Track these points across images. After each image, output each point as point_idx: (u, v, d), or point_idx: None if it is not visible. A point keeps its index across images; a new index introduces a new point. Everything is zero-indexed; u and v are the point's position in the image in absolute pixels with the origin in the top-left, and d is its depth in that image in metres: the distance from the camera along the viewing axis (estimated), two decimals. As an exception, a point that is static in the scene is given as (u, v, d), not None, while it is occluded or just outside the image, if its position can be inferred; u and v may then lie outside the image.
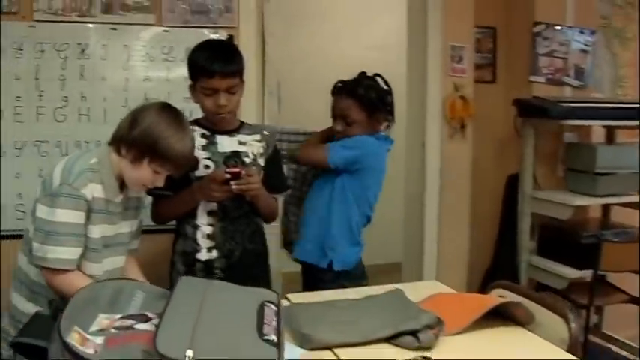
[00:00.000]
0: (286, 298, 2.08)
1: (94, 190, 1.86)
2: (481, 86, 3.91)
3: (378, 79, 2.57)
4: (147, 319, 1.41)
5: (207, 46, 2.26)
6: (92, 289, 1.50)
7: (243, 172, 2.11)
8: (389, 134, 2.64)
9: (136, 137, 1.85)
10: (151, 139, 1.84)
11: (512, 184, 3.99)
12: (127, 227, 2.05)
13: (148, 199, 2.30)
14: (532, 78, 3.87)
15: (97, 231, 1.90)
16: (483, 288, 3.87)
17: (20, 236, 2.02)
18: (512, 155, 3.97)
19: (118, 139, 1.91)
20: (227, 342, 1.30)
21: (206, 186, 2.15)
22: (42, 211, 1.85)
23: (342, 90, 2.54)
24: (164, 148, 1.84)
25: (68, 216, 1.81)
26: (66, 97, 2.86)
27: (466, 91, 3.74)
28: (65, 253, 1.81)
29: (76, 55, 2.86)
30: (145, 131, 1.85)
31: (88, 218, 1.86)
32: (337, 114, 2.55)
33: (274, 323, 1.41)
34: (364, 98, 2.49)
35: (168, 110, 1.93)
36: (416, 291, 2.06)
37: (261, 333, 1.35)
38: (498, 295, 2.10)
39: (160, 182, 1.94)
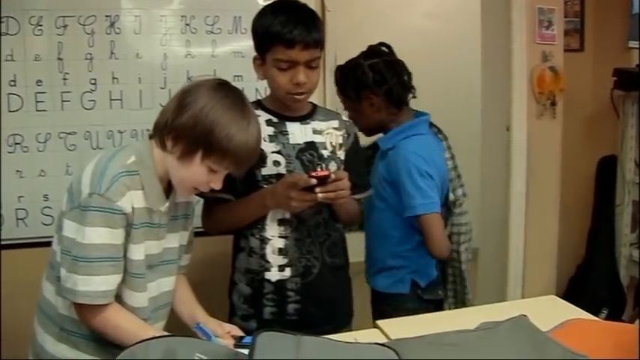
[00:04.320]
0: (376, 326, 1.71)
1: (133, 199, 1.48)
2: (567, 55, 3.46)
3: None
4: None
5: (281, 8, 1.82)
6: (132, 354, 1.06)
7: (332, 176, 1.69)
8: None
9: (184, 125, 1.48)
10: (205, 127, 1.47)
11: (606, 167, 3.68)
12: (175, 241, 1.67)
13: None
14: (631, 44, 3.44)
15: (139, 251, 1.52)
16: (576, 285, 3.65)
17: (48, 244, 1.64)
18: (603, 135, 3.64)
19: (162, 129, 1.53)
20: None
21: (283, 192, 1.73)
22: (69, 229, 1.47)
23: None
24: (222, 138, 1.47)
25: (102, 236, 1.43)
26: (94, 79, 2.56)
27: (556, 62, 3.31)
28: (101, 284, 1.44)
29: (105, 30, 2.56)
30: (196, 117, 1.47)
31: (127, 236, 1.48)
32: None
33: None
34: (338, 82, 2.34)
35: (225, 89, 1.55)
36: (534, 310, 1.66)
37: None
38: None
39: (217, 183, 1.56)
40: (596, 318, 1.81)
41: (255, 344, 1.03)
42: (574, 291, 3.58)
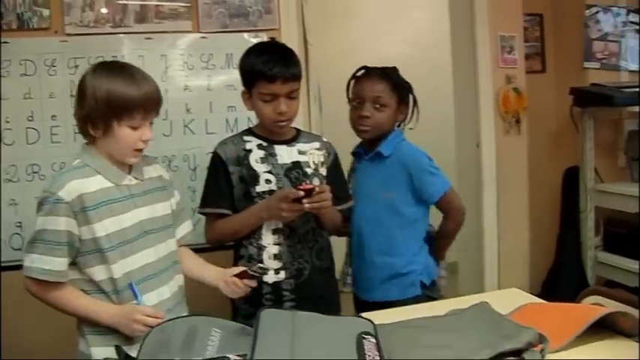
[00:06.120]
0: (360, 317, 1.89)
1: (81, 187, 1.66)
2: (530, 77, 3.77)
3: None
4: (232, 363, 1.23)
5: (263, 49, 2.11)
6: (162, 330, 1.34)
7: (316, 189, 1.95)
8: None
9: (90, 109, 1.66)
10: (103, 99, 1.65)
11: (571, 177, 3.89)
12: (158, 211, 1.84)
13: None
14: (586, 64, 3.71)
15: (104, 227, 1.68)
16: (548, 287, 3.87)
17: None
18: (567, 147, 3.87)
19: (82, 127, 1.72)
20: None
21: (275, 205, 1.99)
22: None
23: (373, 73, 2.41)
24: (118, 97, 1.65)
25: (47, 223, 1.64)
26: (103, 113, 2.72)
27: (519, 83, 3.60)
28: (48, 263, 1.64)
29: (112, 69, 2.72)
30: (93, 96, 1.65)
31: (85, 219, 1.66)
32: (366, 97, 2.37)
33: (378, 358, 1.23)
34: (397, 82, 2.39)
35: (101, 66, 1.74)
36: (498, 301, 1.87)
37: (365, 371, 1.17)
38: (594, 303, 1.90)
39: (147, 134, 1.73)
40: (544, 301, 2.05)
41: (260, 317, 1.31)
42: (546, 293, 3.78)
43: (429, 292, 2.38)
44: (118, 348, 1.35)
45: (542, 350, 1.52)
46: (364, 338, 1.30)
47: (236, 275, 1.82)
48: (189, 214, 2.01)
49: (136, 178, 1.79)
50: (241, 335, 1.35)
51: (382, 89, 2.36)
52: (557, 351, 1.56)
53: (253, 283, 1.84)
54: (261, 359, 1.16)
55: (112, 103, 1.64)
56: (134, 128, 1.70)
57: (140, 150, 1.75)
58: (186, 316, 1.44)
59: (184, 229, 1.98)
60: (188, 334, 1.33)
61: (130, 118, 1.68)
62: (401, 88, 2.39)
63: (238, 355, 1.25)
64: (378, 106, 2.35)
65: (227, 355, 1.26)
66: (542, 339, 1.54)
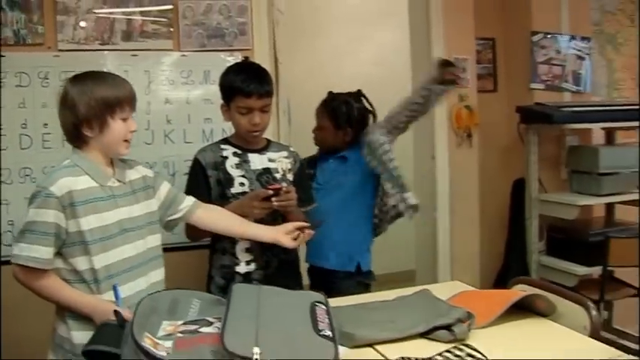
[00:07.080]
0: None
1: (71, 185, 1.83)
2: (483, 96, 4.06)
3: (362, 99, 2.92)
4: (209, 324, 1.51)
5: (240, 68, 2.39)
6: (152, 299, 1.60)
7: (283, 189, 2.21)
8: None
9: (87, 112, 1.86)
10: (98, 101, 1.85)
11: (519, 188, 4.14)
12: (138, 210, 2.01)
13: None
14: (532, 85, 4.03)
15: (89, 222, 1.85)
16: (497, 288, 3.99)
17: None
18: (516, 160, 4.12)
19: (77, 133, 1.90)
20: (288, 339, 1.40)
21: (247, 203, 2.24)
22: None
23: (323, 101, 2.93)
24: (110, 96, 1.87)
25: (38, 215, 1.79)
26: (91, 122, 2.94)
27: (470, 101, 3.88)
28: (36, 251, 1.79)
29: (100, 82, 2.94)
30: (86, 102, 1.85)
31: (72, 214, 1.82)
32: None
33: (327, 320, 1.52)
34: (334, 111, 2.86)
35: (81, 77, 1.93)
36: (440, 291, 2.14)
37: (317, 329, 1.45)
38: (521, 290, 2.18)
39: (133, 125, 1.96)
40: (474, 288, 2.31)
41: (232, 289, 1.59)
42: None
43: (363, 279, 2.83)
44: (116, 312, 1.61)
45: (469, 325, 1.80)
46: (316, 306, 1.59)
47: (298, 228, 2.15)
48: (184, 194, 2.22)
49: (118, 181, 1.96)
50: (217, 305, 1.62)
51: (320, 115, 2.91)
52: (484, 327, 1.84)
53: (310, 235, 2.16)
54: (233, 319, 1.44)
55: (106, 102, 1.86)
56: (124, 120, 1.91)
57: (128, 141, 1.96)
58: (171, 289, 1.71)
59: (188, 201, 2.18)
60: (172, 302, 1.60)
61: (122, 111, 1.89)
62: (337, 115, 2.84)
63: (215, 318, 1.53)
64: (319, 126, 2.90)
65: (206, 318, 1.54)
66: (469, 316, 1.81)
